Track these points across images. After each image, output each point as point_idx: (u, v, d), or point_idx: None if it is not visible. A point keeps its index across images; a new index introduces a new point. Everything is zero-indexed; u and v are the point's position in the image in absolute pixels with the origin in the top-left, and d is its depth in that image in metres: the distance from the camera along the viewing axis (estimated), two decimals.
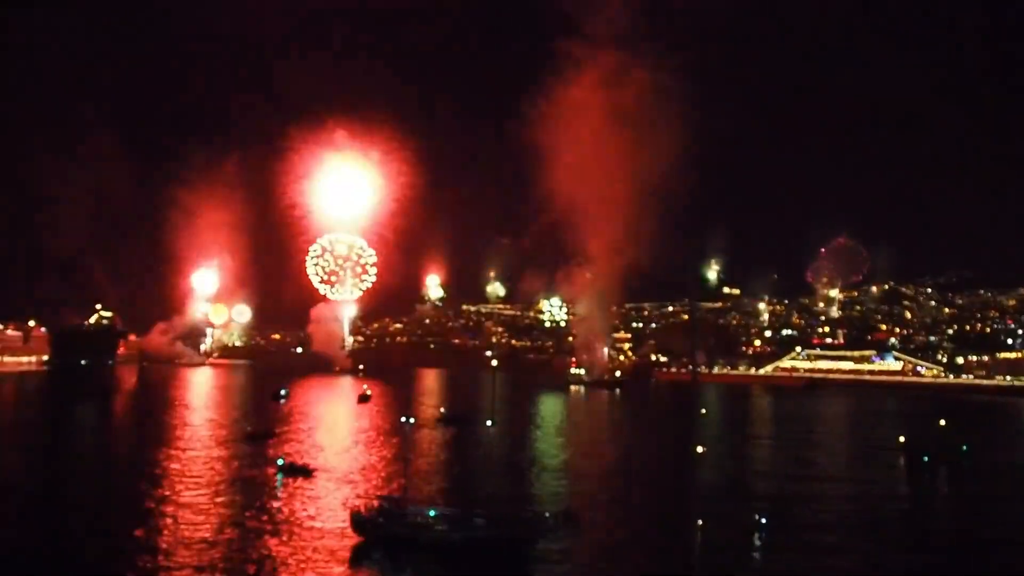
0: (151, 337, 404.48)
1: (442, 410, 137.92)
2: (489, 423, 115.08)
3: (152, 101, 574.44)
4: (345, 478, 71.18)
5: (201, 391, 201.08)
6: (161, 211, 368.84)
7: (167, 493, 63.45)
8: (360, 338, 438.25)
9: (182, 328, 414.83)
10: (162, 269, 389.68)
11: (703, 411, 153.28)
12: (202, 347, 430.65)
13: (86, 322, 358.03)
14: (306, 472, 72.26)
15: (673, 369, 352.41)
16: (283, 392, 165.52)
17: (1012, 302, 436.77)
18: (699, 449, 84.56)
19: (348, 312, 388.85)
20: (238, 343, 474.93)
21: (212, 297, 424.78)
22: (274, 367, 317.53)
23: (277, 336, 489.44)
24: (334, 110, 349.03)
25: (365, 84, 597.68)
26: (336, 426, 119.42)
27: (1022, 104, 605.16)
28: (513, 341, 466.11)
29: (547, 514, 53.28)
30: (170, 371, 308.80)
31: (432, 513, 51.45)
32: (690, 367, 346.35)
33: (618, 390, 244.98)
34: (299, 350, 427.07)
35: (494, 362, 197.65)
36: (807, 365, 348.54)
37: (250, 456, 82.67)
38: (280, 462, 75.24)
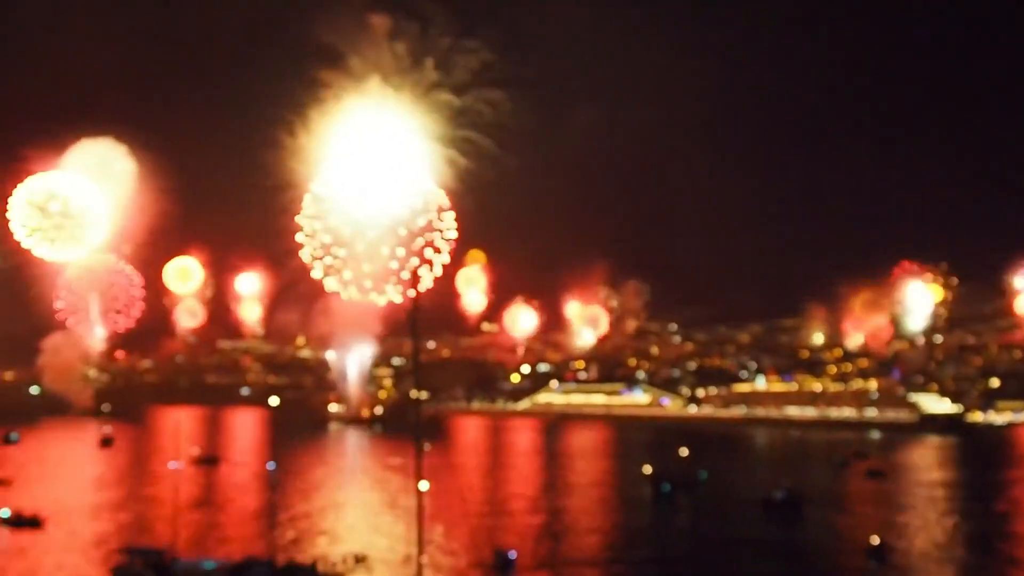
0: None
1: (196, 450, 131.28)
2: (272, 465, 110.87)
3: None
4: (89, 529, 66.06)
5: None
6: None
7: None
8: (104, 375, 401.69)
9: None
10: None
11: (426, 447, 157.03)
12: None
13: None
14: (35, 523, 66.23)
15: (434, 405, 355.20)
16: (14, 436, 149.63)
17: (746, 338, 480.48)
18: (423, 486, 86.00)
19: (91, 344, 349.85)
20: None
21: None
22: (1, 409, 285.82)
23: (8, 375, 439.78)
24: (75, 129, 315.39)
25: (116, 101, 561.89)
26: (76, 473, 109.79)
27: (756, 151, 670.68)
28: (271, 378, 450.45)
29: (334, 558, 52.36)
30: None
31: (208, 565, 48.67)
32: (448, 403, 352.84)
33: (378, 427, 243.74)
34: (34, 390, 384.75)
35: (273, 401, 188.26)
36: (562, 399, 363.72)
37: None
38: (5, 513, 68.39)
